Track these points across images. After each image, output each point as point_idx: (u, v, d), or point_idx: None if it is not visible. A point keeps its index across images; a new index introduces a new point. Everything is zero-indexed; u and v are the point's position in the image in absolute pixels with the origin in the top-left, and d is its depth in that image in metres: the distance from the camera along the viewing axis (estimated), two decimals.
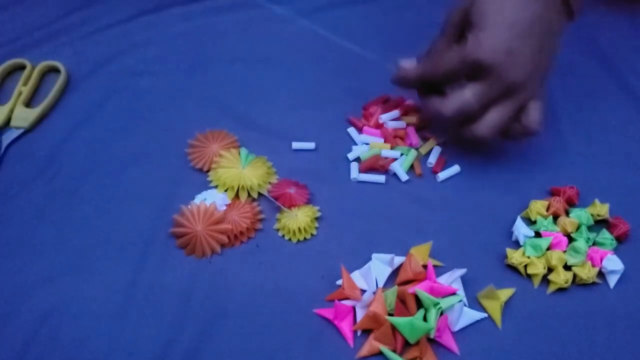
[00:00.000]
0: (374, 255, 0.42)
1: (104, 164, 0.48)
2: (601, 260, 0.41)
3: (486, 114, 0.41)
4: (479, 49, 0.39)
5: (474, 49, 0.39)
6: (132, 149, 0.49)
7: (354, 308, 0.40)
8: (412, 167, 0.48)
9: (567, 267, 0.41)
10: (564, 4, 0.40)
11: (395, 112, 0.50)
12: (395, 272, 0.41)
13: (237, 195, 0.45)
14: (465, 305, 0.40)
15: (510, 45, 0.38)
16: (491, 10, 0.39)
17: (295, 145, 0.49)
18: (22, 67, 0.54)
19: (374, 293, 0.40)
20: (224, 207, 0.44)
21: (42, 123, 0.51)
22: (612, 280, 0.41)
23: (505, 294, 0.40)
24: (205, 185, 0.46)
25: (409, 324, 0.36)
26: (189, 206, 0.44)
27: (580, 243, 0.42)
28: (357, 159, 0.48)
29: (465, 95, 0.40)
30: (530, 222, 0.45)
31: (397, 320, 0.37)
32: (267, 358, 0.38)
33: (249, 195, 0.45)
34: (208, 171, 0.47)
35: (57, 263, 0.42)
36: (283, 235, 0.44)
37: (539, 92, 0.42)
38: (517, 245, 0.43)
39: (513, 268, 0.42)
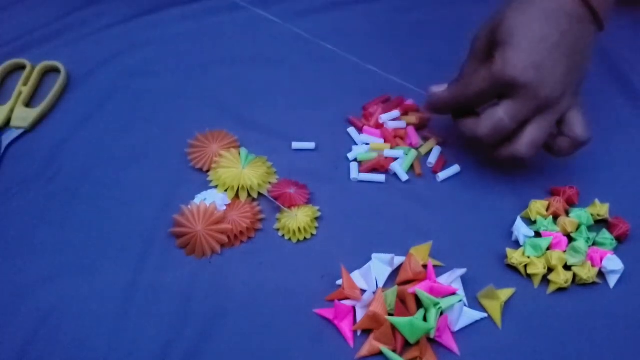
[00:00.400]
0: (374, 255, 0.42)
1: (104, 164, 0.48)
2: (601, 260, 0.41)
3: (523, 132, 0.40)
4: (508, 67, 0.38)
5: (502, 67, 0.38)
6: (132, 149, 0.49)
7: (354, 308, 0.40)
8: (412, 167, 0.48)
9: (567, 267, 0.41)
10: (592, 14, 0.39)
11: (395, 112, 0.50)
12: (395, 272, 0.41)
13: (237, 195, 0.45)
14: (465, 305, 0.40)
15: (540, 61, 0.38)
16: (519, 27, 0.38)
17: (295, 145, 0.49)
18: (22, 67, 0.54)
19: (374, 293, 0.40)
20: (224, 207, 0.44)
21: (42, 123, 0.51)
22: (612, 280, 0.41)
23: (505, 294, 0.40)
24: (205, 185, 0.46)
25: (409, 324, 0.36)
26: (189, 206, 0.44)
27: (580, 243, 0.42)
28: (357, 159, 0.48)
29: (499, 114, 0.39)
30: (530, 222, 0.45)
31: (397, 320, 0.37)
32: (267, 358, 0.38)
33: (249, 195, 0.45)
34: (208, 171, 0.47)
35: (57, 263, 0.42)
36: (283, 235, 0.44)
37: (576, 101, 0.41)
38: (517, 245, 0.43)
39: (513, 268, 0.42)
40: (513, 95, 0.39)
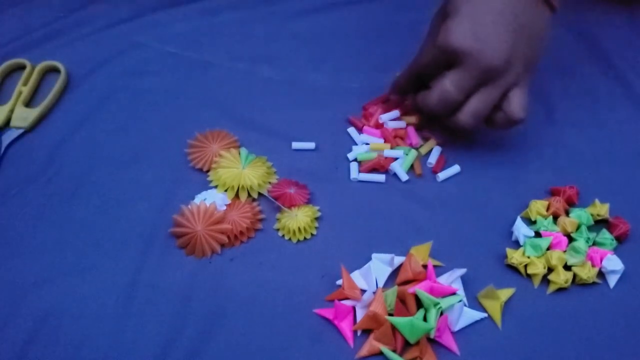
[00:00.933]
0: (374, 255, 0.42)
1: (104, 164, 0.48)
2: (601, 260, 0.41)
3: (467, 102, 0.42)
4: (449, 35, 0.40)
5: (444, 36, 0.40)
6: (132, 149, 0.49)
7: (354, 308, 0.40)
8: (412, 167, 0.48)
9: (567, 267, 0.41)
10: None
11: (395, 112, 0.50)
12: (395, 272, 0.41)
13: (237, 195, 0.45)
14: (465, 305, 0.40)
15: (481, 31, 0.39)
16: (463, 1, 0.40)
17: (295, 145, 0.49)
18: (22, 67, 0.54)
19: (374, 293, 0.40)
20: (224, 207, 0.44)
21: (42, 123, 0.51)
22: (612, 280, 0.41)
23: (505, 294, 0.40)
24: (205, 185, 0.46)
25: (409, 324, 0.36)
26: (189, 206, 0.44)
27: (580, 243, 0.42)
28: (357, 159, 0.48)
29: (445, 84, 0.41)
30: (530, 222, 0.45)
31: (397, 320, 0.37)
32: (267, 358, 0.38)
33: (249, 195, 0.45)
34: (208, 171, 0.47)
35: (57, 263, 0.42)
36: (283, 235, 0.44)
37: (524, 79, 0.42)
38: (517, 245, 0.43)
39: (513, 268, 0.42)
40: (457, 65, 0.40)
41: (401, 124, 0.50)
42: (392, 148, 0.48)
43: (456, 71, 0.41)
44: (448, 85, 0.41)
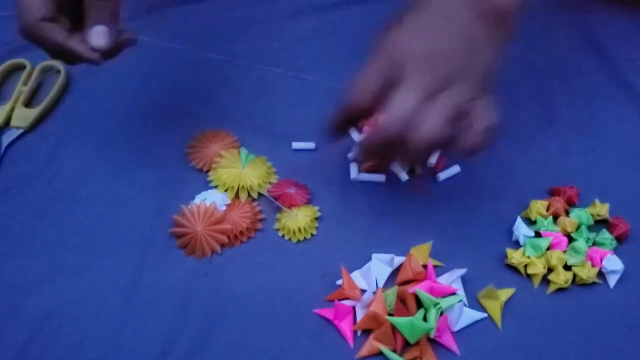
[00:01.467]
0: (374, 255, 0.42)
1: (104, 164, 0.48)
2: (601, 260, 0.41)
3: (429, 111, 0.36)
4: (390, 44, 0.37)
5: (385, 46, 0.38)
6: (132, 149, 0.49)
7: (354, 308, 0.40)
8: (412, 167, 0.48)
9: (567, 267, 0.41)
10: (498, 18, 0.38)
11: None
12: (395, 272, 0.41)
13: (237, 195, 0.45)
14: (465, 305, 0.40)
15: (431, 39, 0.37)
16: (408, 17, 0.38)
17: (295, 145, 0.49)
18: (22, 67, 0.54)
19: (374, 293, 0.40)
20: (224, 207, 0.44)
21: (42, 123, 0.51)
22: (612, 280, 0.41)
23: (505, 294, 0.40)
24: (205, 185, 0.46)
25: (409, 324, 0.36)
26: (189, 206, 0.44)
27: (580, 243, 0.42)
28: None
29: (400, 95, 0.36)
30: (530, 222, 0.45)
31: (397, 320, 0.37)
32: (267, 358, 0.38)
33: (249, 195, 0.45)
34: (208, 171, 0.47)
35: (57, 263, 0.42)
36: (283, 235, 0.44)
37: (483, 95, 0.39)
38: (517, 245, 0.43)
39: (513, 268, 0.42)
40: (408, 75, 0.37)
41: None
42: None
43: (409, 80, 0.37)
44: (404, 94, 0.36)
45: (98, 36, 0.37)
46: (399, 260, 0.41)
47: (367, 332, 0.39)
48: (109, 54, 0.38)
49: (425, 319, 0.38)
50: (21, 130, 0.50)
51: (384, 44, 0.38)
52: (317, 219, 0.44)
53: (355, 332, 0.39)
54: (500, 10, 0.38)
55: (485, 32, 0.38)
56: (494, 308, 0.39)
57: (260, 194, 0.45)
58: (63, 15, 0.38)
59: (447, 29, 0.37)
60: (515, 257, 0.41)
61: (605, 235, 0.43)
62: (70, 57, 0.38)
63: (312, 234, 0.44)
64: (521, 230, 0.43)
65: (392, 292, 0.39)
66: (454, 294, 0.39)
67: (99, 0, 0.37)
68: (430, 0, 0.38)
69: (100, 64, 0.38)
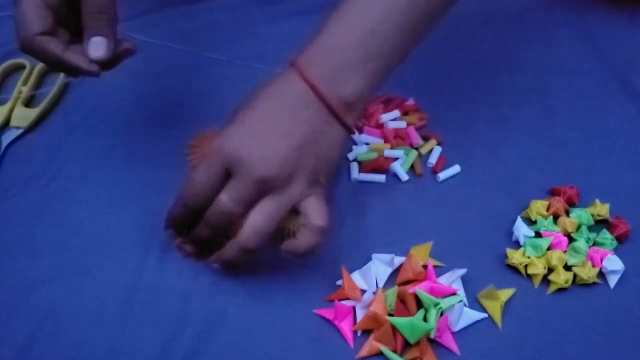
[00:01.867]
0: (374, 255, 0.42)
1: (104, 164, 0.48)
2: (601, 260, 0.41)
3: (247, 217, 0.37)
4: (224, 141, 0.36)
5: (220, 141, 0.37)
6: (132, 149, 0.49)
7: (354, 308, 0.40)
8: (412, 167, 0.48)
9: (567, 267, 0.41)
10: (334, 116, 0.37)
11: (396, 112, 0.50)
12: (395, 272, 0.41)
13: None
14: (465, 305, 0.40)
15: (259, 140, 0.36)
16: (245, 107, 0.38)
17: None
18: (22, 67, 0.54)
19: (374, 293, 0.40)
20: None
21: (42, 123, 0.51)
22: (612, 280, 0.41)
23: (505, 294, 0.40)
24: None
25: (409, 324, 0.36)
26: None
27: (581, 243, 0.42)
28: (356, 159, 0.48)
29: (220, 196, 0.36)
30: (530, 222, 0.45)
31: (397, 320, 0.37)
32: (267, 358, 0.38)
33: None
34: None
35: (57, 263, 0.42)
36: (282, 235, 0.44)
37: (315, 192, 0.38)
38: (517, 245, 0.43)
39: (513, 268, 0.42)
40: (233, 176, 0.36)
41: (401, 124, 0.50)
42: (392, 148, 0.48)
43: (231, 182, 0.36)
44: (223, 196, 0.36)
45: (96, 47, 0.37)
46: (399, 260, 0.41)
47: (367, 332, 0.39)
48: (108, 64, 0.38)
49: (425, 319, 0.38)
50: (21, 130, 0.50)
51: (219, 136, 0.37)
52: None
53: (355, 332, 0.39)
54: (347, 102, 0.37)
55: (326, 132, 0.38)
56: (494, 308, 0.39)
57: None
58: (61, 27, 0.38)
59: (281, 130, 0.37)
60: (515, 257, 0.41)
61: (606, 236, 0.43)
62: (69, 70, 0.38)
63: None
64: (521, 230, 0.43)
65: (392, 292, 0.39)
66: (454, 294, 0.39)
67: (97, 12, 0.37)
68: (269, 94, 0.38)
69: (98, 76, 0.38)
